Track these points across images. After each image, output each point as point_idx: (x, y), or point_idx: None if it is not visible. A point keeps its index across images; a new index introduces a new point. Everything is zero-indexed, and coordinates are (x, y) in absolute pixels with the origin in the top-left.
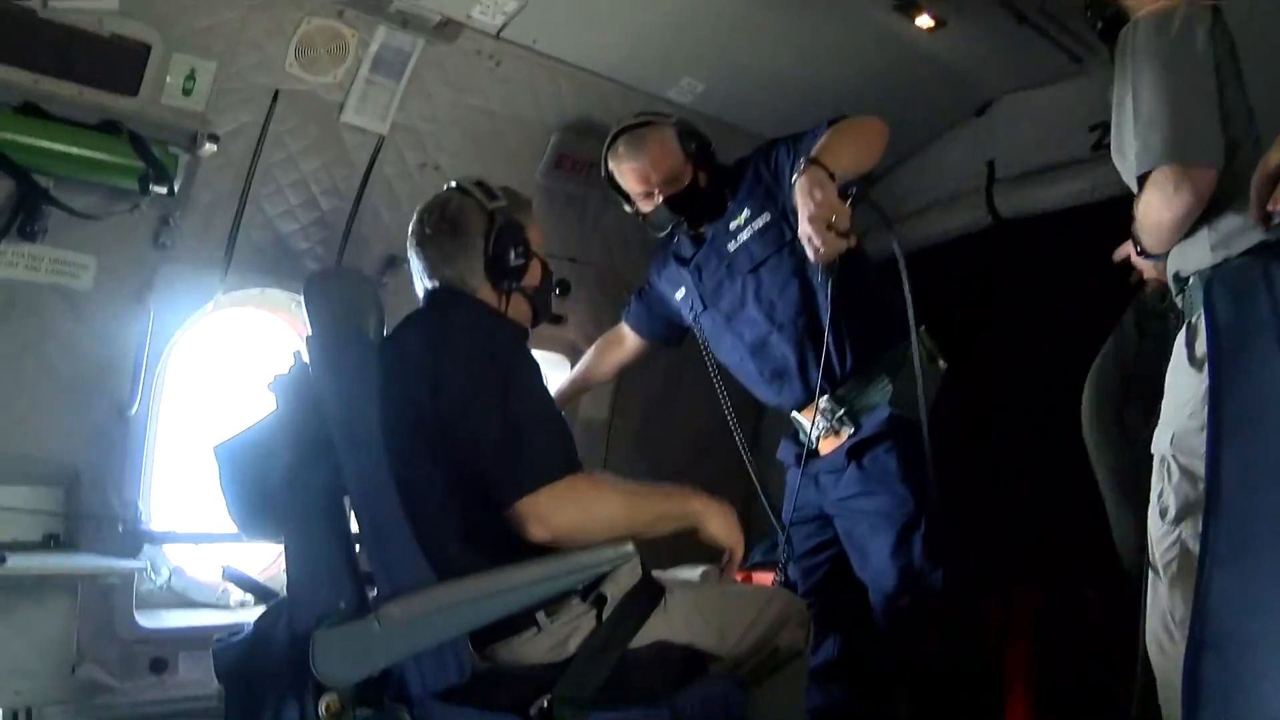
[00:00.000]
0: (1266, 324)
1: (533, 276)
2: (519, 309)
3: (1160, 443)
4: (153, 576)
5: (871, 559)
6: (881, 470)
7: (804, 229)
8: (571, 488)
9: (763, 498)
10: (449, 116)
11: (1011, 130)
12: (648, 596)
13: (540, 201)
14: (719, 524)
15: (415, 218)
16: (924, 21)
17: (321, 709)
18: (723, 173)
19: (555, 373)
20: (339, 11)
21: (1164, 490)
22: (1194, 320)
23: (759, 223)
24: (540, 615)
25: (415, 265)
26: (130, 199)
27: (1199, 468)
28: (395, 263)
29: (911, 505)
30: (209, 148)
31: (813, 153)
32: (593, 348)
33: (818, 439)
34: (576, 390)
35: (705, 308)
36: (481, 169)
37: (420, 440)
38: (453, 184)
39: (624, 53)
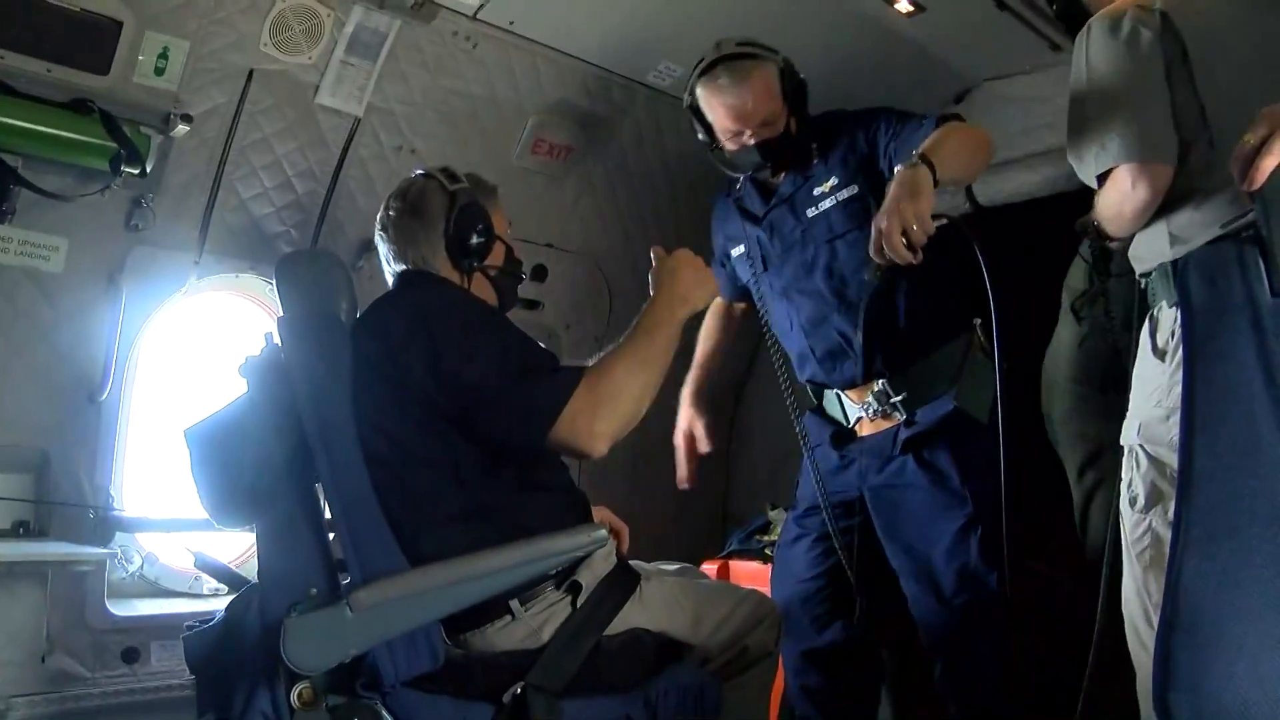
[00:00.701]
0: (1240, 308)
1: (495, 258)
2: (482, 290)
3: (1128, 433)
4: (124, 565)
5: (918, 554)
6: (943, 465)
7: (881, 221)
8: (588, 392)
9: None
10: (425, 99)
11: (990, 117)
12: (623, 584)
13: (517, 186)
14: (688, 274)
15: (382, 205)
16: (903, 6)
17: (294, 698)
18: (810, 125)
19: None
20: None
21: (1133, 479)
22: (1156, 311)
23: (845, 194)
24: (514, 603)
25: (382, 250)
26: (101, 180)
27: (1166, 456)
28: (371, 247)
29: (970, 506)
30: (182, 128)
31: (926, 150)
32: (705, 324)
33: (856, 421)
34: (707, 371)
35: (766, 269)
36: (458, 152)
37: (410, 418)
38: (418, 171)
39: (602, 35)
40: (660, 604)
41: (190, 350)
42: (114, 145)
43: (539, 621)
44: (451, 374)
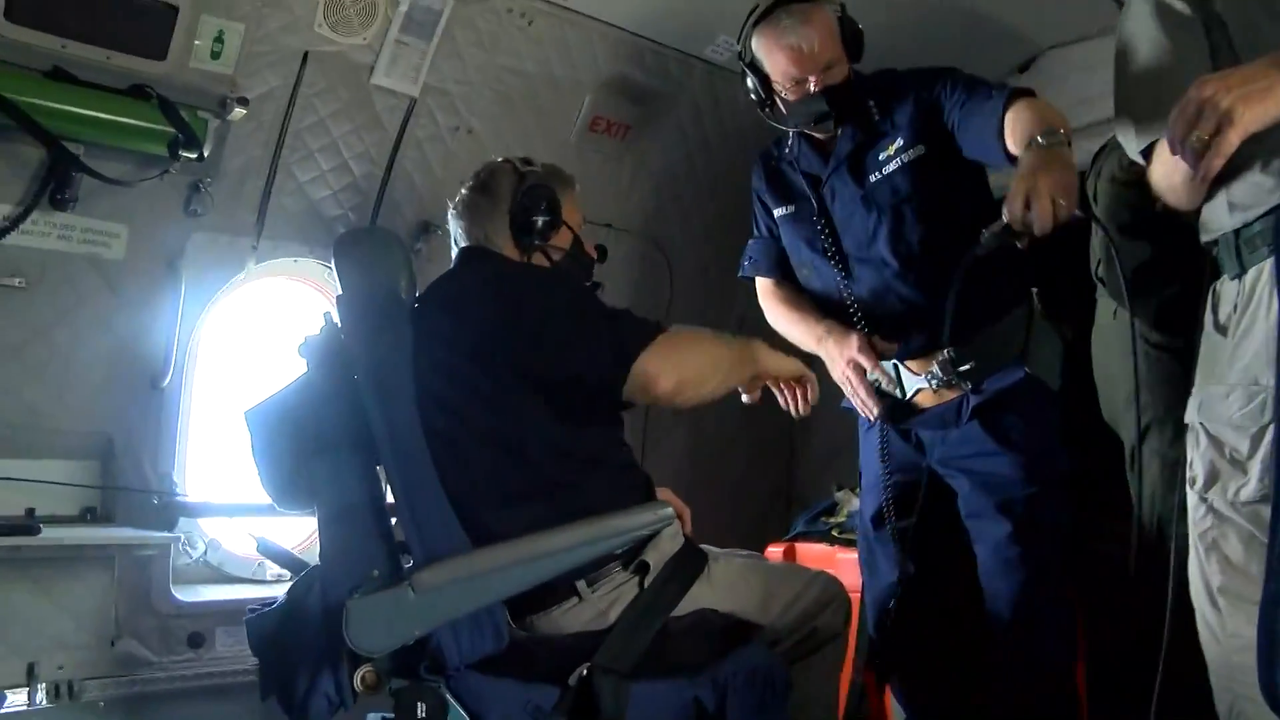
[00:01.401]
0: None
1: (561, 240)
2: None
3: (1190, 411)
4: (189, 550)
5: (992, 518)
6: (1016, 432)
7: (1028, 190)
8: (669, 341)
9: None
10: (481, 77)
11: (1057, 87)
12: (691, 563)
13: (575, 165)
14: (776, 363)
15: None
16: None
17: (357, 681)
18: (867, 81)
19: None
20: None
21: (1193, 459)
22: (1218, 285)
23: (911, 154)
24: (581, 584)
25: (452, 230)
26: (160, 165)
27: (1226, 434)
28: (429, 229)
29: (1046, 471)
30: (238, 112)
31: (1042, 137)
32: (780, 308)
33: (915, 392)
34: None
35: (824, 234)
36: (515, 132)
37: (479, 394)
38: (498, 159)
39: (658, 9)
40: (728, 584)
41: (250, 336)
42: (172, 130)
43: (606, 603)
44: (533, 324)
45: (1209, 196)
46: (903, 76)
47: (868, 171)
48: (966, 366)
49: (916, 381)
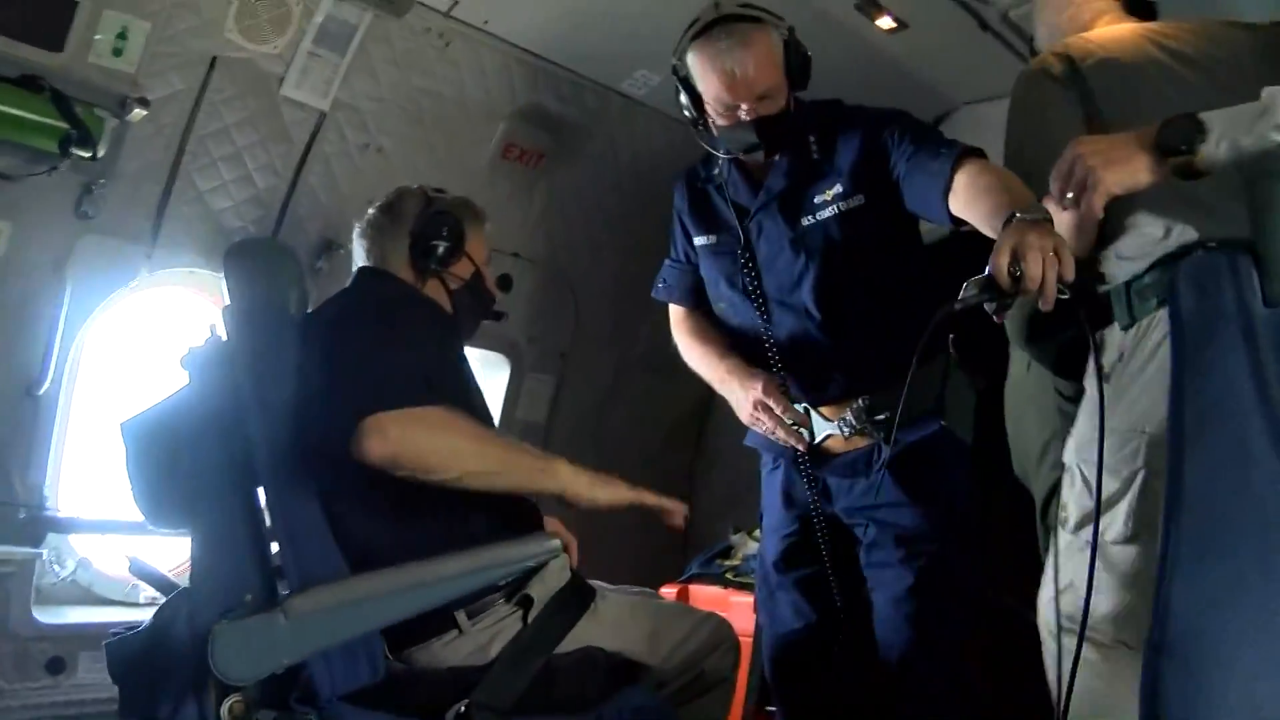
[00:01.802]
0: (1231, 317)
1: (460, 270)
2: (438, 297)
3: (1068, 452)
4: (56, 568)
5: (893, 571)
6: (928, 485)
7: (1021, 256)
8: (423, 413)
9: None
10: (394, 96)
11: (969, 141)
12: (577, 599)
13: (486, 191)
14: (585, 484)
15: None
16: (885, 23)
17: (224, 711)
18: (809, 111)
19: (495, 372)
20: None
21: (1067, 500)
22: (1104, 333)
23: (849, 204)
24: (461, 616)
25: (355, 250)
26: (48, 160)
27: (1094, 477)
28: (332, 247)
29: (953, 527)
30: (138, 112)
31: (1020, 211)
32: (690, 341)
33: (825, 437)
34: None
35: (746, 270)
36: (426, 154)
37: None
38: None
39: (578, 40)
40: (616, 622)
41: (140, 346)
42: (65, 126)
43: (487, 636)
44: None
45: (1101, 247)
46: (850, 113)
47: (801, 213)
48: (881, 416)
49: (827, 427)
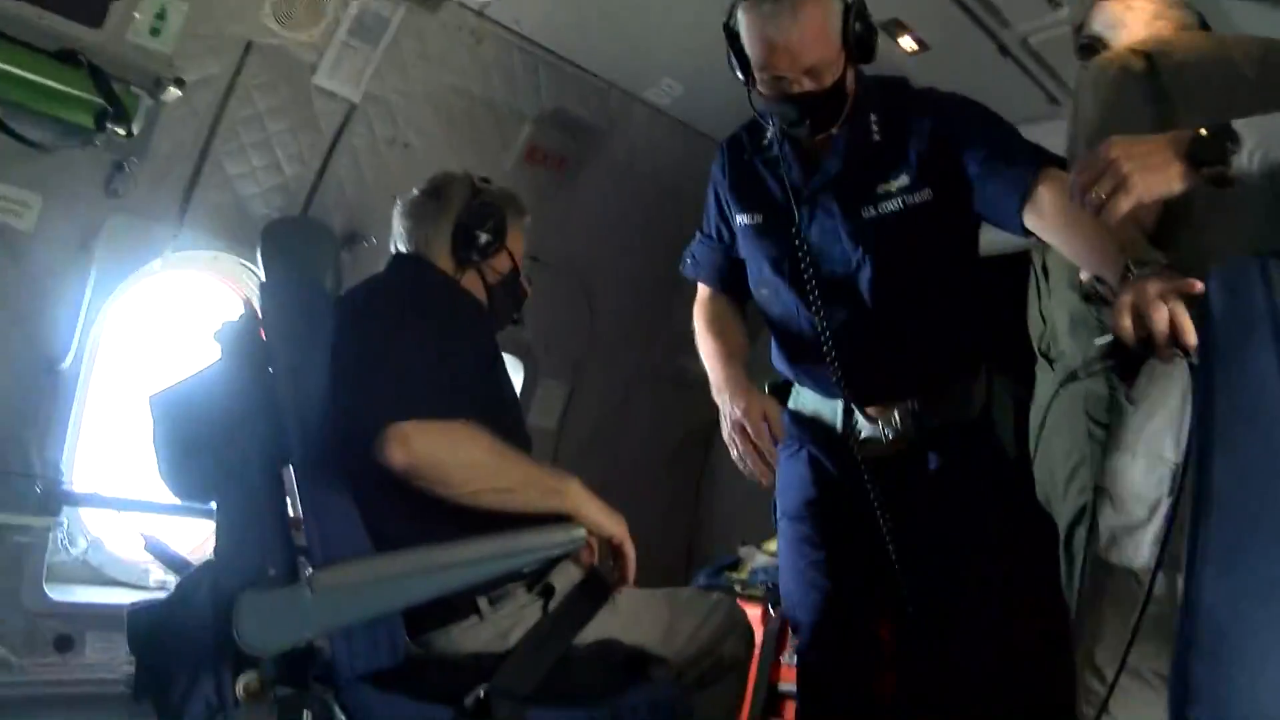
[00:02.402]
0: (1261, 319)
1: (499, 264)
2: (474, 289)
3: (1102, 476)
4: (68, 546)
5: (934, 578)
6: (971, 495)
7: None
8: (447, 428)
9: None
10: (424, 92)
11: None
12: (596, 591)
13: None
14: (597, 510)
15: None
16: (907, 43)
17: (239, 689)
18: (871, 88)
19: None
20: None
21: (1100, 523)
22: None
23: (916, 197)
24: (482, 602)
25: (395, 229)
26: (83, 135)
27: (1127, 502)
28: (355, 239)
29: (994, 539)
30: (173, 92)
31: (1132, 263)
32: (705, 330)
33: (864, 439)
34: (743, 361)
35: (798, 255)
36: (451, 151)
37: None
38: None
39: (606, 45)
40: (633, 614)
41: (160, 327)
42: (100, 102)
43: (508, 624)
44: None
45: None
46: (919, 96)
47: (862, 202)
48: (932, 422)
49: (870, 429)
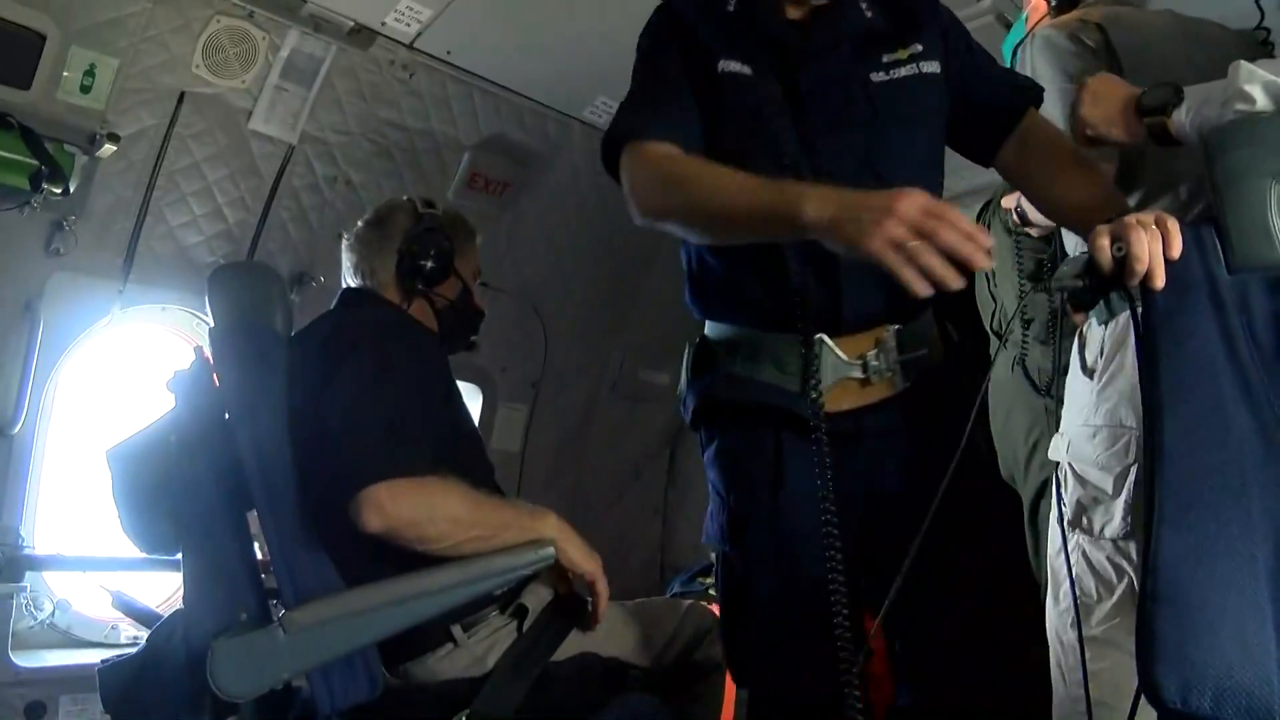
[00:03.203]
0: (1199, 285)
1: (447, 289)
2: (424, 317)
3: (1058, 449)
4: (33, 612)
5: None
6: (951, 445)
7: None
8: (419, 483)
9: None
10: (360, 128)
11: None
12: (570, 607)
13: None
14: (575, 546)
15: None
16: None
17: None
18: None
19: (468, 403)
20: (249, 12)
21: (1062, 496)
22: (1085, 329)
23: (929, 66)
24: (456, 629)
25: (344, 263)
26: (19, 197)
27: (1091, 474)
28: (303, 279)
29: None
30: (108, 148)
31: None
32: (704, 166)
33: (834, 383)
34: None
35: (797, 124)
36: (393, 185)
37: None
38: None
39: (538, 69)
40: (609, 626)
41: (114, 383)
42: (34, 162)
43: (483, 648)
44: (330, 409)
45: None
46: None
47: (869, 69)
48: (913, 354)
49: (845, 368)
